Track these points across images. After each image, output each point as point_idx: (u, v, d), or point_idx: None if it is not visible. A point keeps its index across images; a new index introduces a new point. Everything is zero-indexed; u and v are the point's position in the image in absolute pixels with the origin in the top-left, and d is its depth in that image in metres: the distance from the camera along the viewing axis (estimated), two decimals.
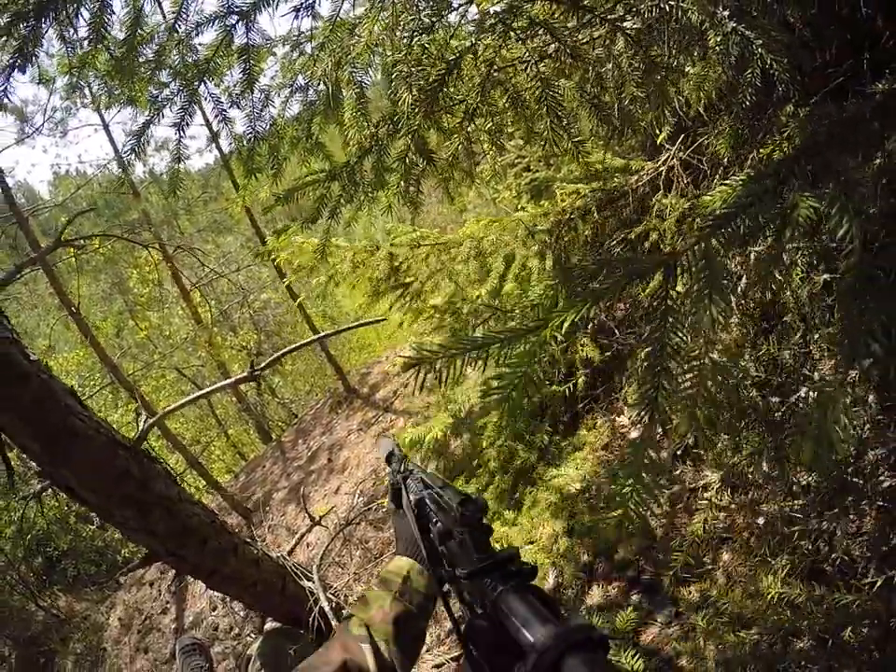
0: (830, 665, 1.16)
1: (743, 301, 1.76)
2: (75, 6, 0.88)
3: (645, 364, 0.77)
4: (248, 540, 2.08)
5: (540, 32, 0.90)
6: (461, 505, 0.69)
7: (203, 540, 1.86)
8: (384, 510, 3.02)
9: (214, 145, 5.29)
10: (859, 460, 1.36)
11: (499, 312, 2.37)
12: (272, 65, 1.15)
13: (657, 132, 2.01)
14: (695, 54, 0.90)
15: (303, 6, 0.82)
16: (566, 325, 0.67)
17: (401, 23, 0.83)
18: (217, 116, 1.04)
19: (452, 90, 0.84)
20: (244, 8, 0.85)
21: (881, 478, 1.29)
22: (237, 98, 1.02)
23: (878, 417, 1.36)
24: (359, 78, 0.88)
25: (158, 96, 0.97)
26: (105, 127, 6.40)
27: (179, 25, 0.91)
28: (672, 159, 2.41)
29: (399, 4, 0.82)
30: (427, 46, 0.80)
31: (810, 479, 1.42)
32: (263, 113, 1.03)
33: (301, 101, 1.03)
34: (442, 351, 0.67)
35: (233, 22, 0.86)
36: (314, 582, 2.11)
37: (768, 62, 0.72)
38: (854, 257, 0.77)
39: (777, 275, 1.42)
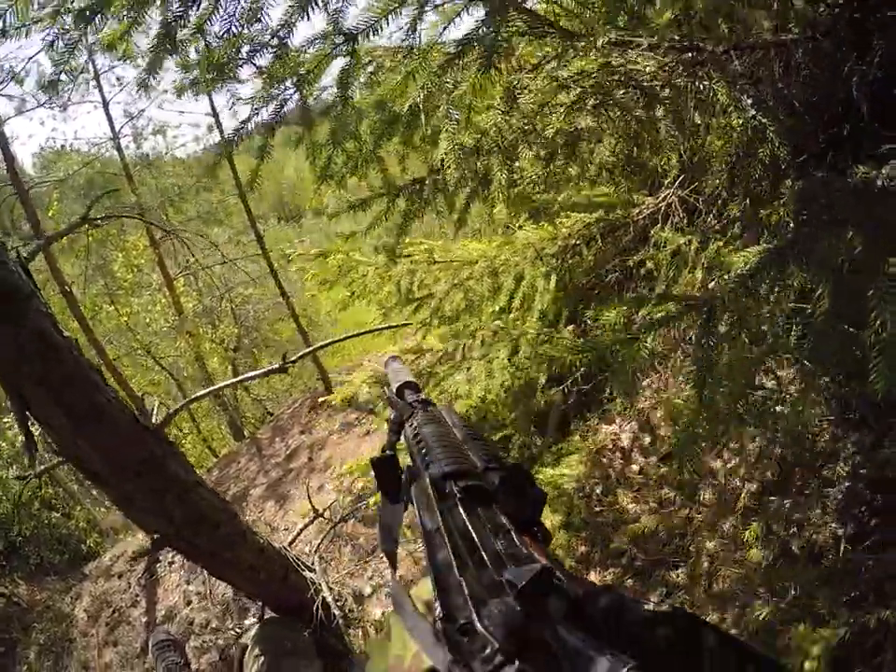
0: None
1: None
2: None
3: None
4: (255, 529, 2.15)
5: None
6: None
7: (215, 526, 1.90)
8: (375, 506, 3.09)
9: (217, 132, 5.30)
10: (823, 456, 1.59)
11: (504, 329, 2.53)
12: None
13: (664, 174, 2.21)
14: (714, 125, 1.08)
15: (407, 28, 0.93)
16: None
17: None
18: (304, 123, 1.14)
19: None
20: (352, 31, 0.96)
21: (839, 466, 1.52)
22: (327, 109, 1.13)
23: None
24: (457, 116, 1.00)
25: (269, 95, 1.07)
26: (105, 105, 6.34)
27: (289, 39, 1.01)
28: (671, 196, 2.63)
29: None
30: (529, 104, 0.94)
31: (779, 475, 1.64)
32: (349, 126, 1.14)
33: (380, 119, 1.14)
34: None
35: (339, 42, 0.97)
36: (315, 573, 2.18)
37: (777, 145, 0.90)
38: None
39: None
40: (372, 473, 0.73)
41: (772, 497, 1.76)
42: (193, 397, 2.20)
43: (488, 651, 0.37)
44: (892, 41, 1.10)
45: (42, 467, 2.14)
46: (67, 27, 1.21)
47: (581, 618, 0.40)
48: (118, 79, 6.50)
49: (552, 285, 2.45)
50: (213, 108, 5.03)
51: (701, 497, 1.94)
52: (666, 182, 2.35)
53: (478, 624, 0.39)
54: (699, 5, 1.23)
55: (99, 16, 1.15)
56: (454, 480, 0.56)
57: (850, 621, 1.28)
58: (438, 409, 0.78)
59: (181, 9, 0.95)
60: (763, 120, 1.02)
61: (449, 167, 1.01)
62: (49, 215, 5.60)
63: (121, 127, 6.58)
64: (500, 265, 2.57)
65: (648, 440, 2.31)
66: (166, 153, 7.62)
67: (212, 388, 2.47)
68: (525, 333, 2.31)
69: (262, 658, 1.83)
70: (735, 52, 1.16)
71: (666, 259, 2.54)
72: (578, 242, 2.73)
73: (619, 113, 1.02)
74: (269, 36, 0.99)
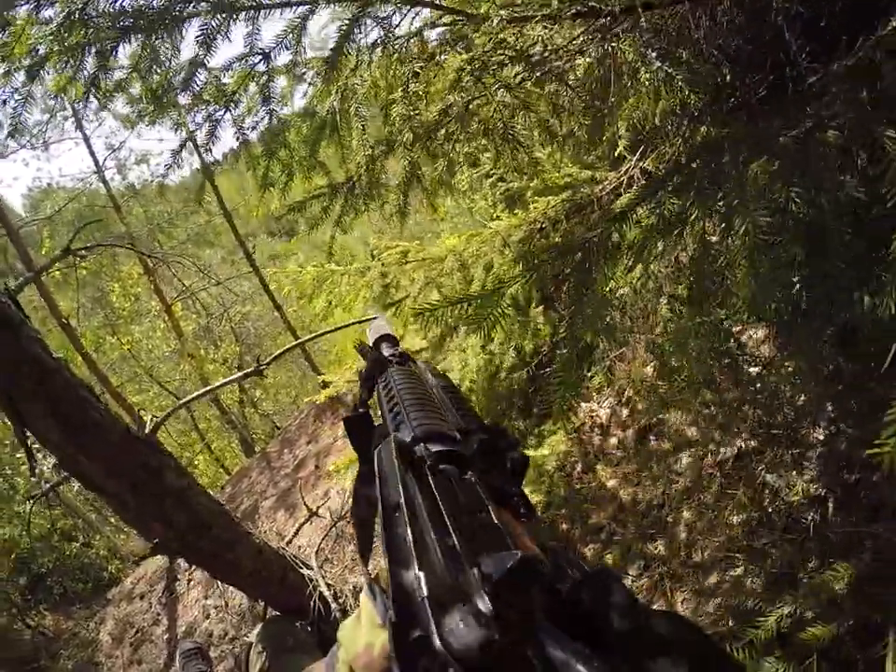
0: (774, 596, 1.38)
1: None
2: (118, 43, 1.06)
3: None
4: (251, 531, 2.22)
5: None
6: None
7: (209, 529, 1.98)
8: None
9: (197, 157, 5.40)
10: (797, 422, 1.61)
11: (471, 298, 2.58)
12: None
13: (615, 148, 2.25)
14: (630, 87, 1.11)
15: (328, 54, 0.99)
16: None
17: (395, 71, 1.03)
18: (238, 139, 1.21)
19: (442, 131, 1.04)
20: (265, 50, 1.03)
21: (816, 435, 1.54)
22: (256, 124, 1.20)
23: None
24: (363, 112, 1.07)
25: (186, 120, 1.15)
26: (86, 140, 6.49)
27: (207, 61, 1.08)
28: (633, 168, 2.67)
29: (395, 54, 1.01)
30: (419, 92, 1.00)
31: (754, 443, 1.65)
32: (278, 136, 1.21)
33: (309, 126, 1.21)
34: (438, 304, 0.85)
35: (256, 62, 1.04)
36: (313, 570, 2.24)
37: (686, 92, 0.93)
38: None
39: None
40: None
41: (749, 463, 1.79)
42: (179, 403, 2.29)
43: None
44: None
45: (48, 485, 2.24)
46: (19, 84, 1.31)
47: (568, 613, 0.35)
48: (94, 114, 6.61)
49: (518, 269, 2.51)
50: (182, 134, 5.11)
51: (679, 467, 1.97)
52: (618, 151, 2.39)
53: (436, 640, 0.31)
54: None
55: (41, 71, 1.23)
56: (425, 443, 0.50)
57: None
58: (416, 365, 0.73)
59: (102, 62, 1.02)
60: (669, 70, 1.03)
61: (362, 162, 1.08)
62: (43, 252, 5.73)
63: (104, 160, 6.71)
64: (469, 257, 2.63)
65: (625, 413, 2.35)
66: (152, 181, 7.74)
67: (190, 397, 2.55)
68: (496, 321, 2.37)
69: (265, 654, 1.90)
70: (645, 11, 1.15)
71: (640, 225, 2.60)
72: (544, 225, 2.77)
73: (502, 88, 1.07)
74: (189, 65, 1.06)
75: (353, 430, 0.66)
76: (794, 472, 1.60)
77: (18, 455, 5.64)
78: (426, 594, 0.33)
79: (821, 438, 1.67)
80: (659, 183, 0.92)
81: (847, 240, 0.67)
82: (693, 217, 0.88)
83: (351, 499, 0.67)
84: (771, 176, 0.76)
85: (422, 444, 0.50)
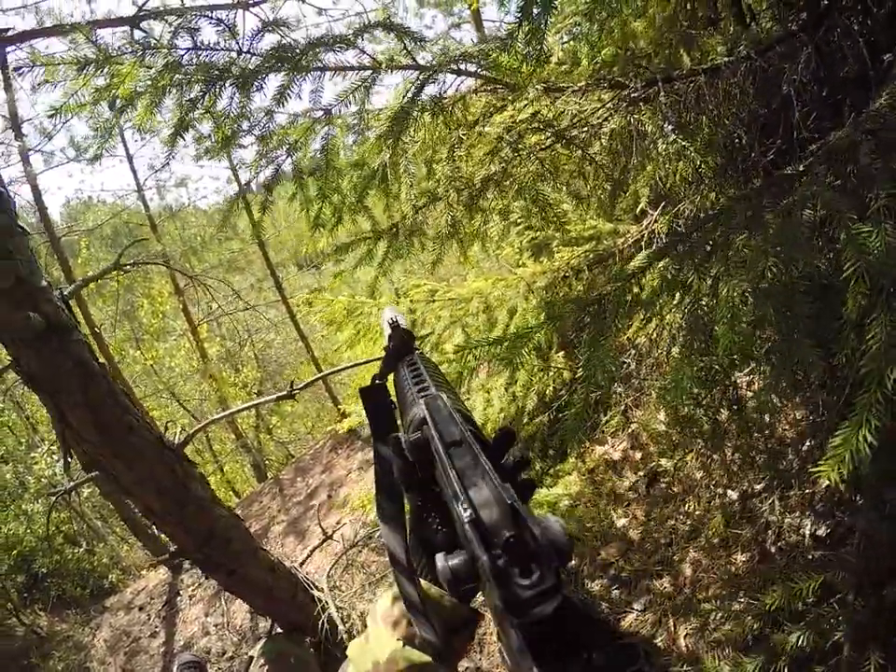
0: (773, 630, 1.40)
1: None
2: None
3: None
4: (265, 548, 2.28)
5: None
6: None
7: (228, 541, 2.05)
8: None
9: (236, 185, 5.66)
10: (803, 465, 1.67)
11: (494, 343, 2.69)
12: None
13: (638, 203, 2.40)
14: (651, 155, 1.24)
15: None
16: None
17: (441, 133, 1.17)
18: (296, 182, 1.37)
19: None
20: (328, 108, 1.19)
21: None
22: (314, 170, 1.35)
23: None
24: (412, 170, 1.21)
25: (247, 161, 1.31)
26: (129, 159, 6.71)
27: (277, 110, 1.25)
28: (654, 223, 2.80)
29: (442, 116, 1.16)
30: (462, 155, 1.15)
31: (758, 486, 1.72)
32: (333, 182, 1.36)
33: (359, 175, 1.36)
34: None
35: (318, 116, 1.20)
36: (323, 592, 2.29)
37: (698, 162, 1.06)
38: None
39: None
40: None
41: (753, 502, 1.84)
42: (210, 420, 2.39)
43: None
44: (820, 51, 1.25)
45: (72, 483, 2.34)
46: (103, 113, 1.50)
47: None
48: (140, 135, 6.94)
49: (541, 316, 2.61)
50: (231, 162, 5.41)
51: (687, 508, 2.02)
52: (640, 208, 2.53)
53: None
54: (641, 42, 1.42)
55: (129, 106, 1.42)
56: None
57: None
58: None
59: (190, 103, 1.19)
60: (684, 143, 1.16)
61: (407, 213, 1.21)
62: (79, 262, 5.99)
63: (145, 179, 6.99)
64: (494, 300, 2.75)
65: (638, 456, 2.40)
66: (189, 204, 8.10)
67: (227, 412, 2.66)
68: (522, 363, 2.46)
69: (266, 668, 1.93)
70: (664, 84, 1.28)
71: (650, 283, 2.70)
72: (567, 274, 2.90)
73: (536, 154, 1.20)
74: (262, 114, 1.22)
75: (369, 399, 0.68)
76: (798, 513, 1.65)
77: (33, 455, 5.77)
78: (513, 499, 0.37)
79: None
80: (665, 250, 1.03)
81: (813, 304, 0.77)
82: (690, 280, 0.99)
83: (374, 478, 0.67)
84: (753, 249, 0.86)
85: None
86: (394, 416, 0.68)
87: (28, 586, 5.21)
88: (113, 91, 1.45)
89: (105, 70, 1.50)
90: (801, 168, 1.03)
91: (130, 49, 1.44)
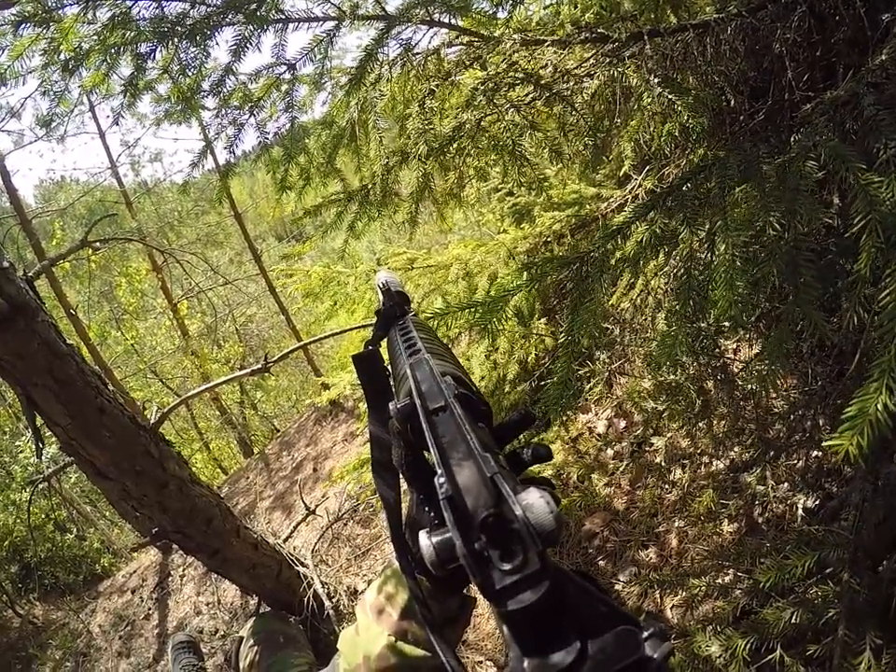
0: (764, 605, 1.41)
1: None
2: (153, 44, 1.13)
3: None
4: (248, 526, 2.25)
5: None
6: None
7: (208, 520, 2.02)
8: (371, 509, 3.19)
9: (211, 158, 5.47)
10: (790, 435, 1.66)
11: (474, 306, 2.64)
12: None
13: (621, 167, 2.32)
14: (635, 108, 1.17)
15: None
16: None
17: (413, 86, 1.09)
18: (259, 142, 1.28)
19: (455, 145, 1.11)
20: (291, 61, 1.10)
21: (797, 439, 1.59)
22: (278, 129, 1.27)
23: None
24: (381, 124, 1.13)
25: (211, 121, 1.22)
26: (102, 135, 6.47)
27: (237, 68, 1.15)
28: (638, 187, 2.74)
29: (413, 71, 1.08)
30: (434, 108, 1.06)
31: (746, 456, 1.71)
32: (299, 143, 1.28)
33: (328, 134, 1.27)
34: (448, 309, 0.91)
35: (282, 71, 1.11)
36: (308, 568, 2.27)
37: (685, 117, 0.99)
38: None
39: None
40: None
41: (741, 474, 1.83)
42: (183, 397, 2.32)
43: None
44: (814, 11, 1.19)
45: (50, 469, 2.28)
46: (55, 78, 1.38)
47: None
48: (112, 110, 6.67)
49: (521, 278, 2.57)
50: (204, 134, 5.21)
51: (672, 477, 2.02)
52: (623, 171, 2.46)
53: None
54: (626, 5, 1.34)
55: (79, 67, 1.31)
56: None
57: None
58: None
59: (140, 61, 1.09)
60: (671, 97, 1.09)
61: (378, 171, 1.14)
62: (53, 244, 5.79)
63: (119, 156, 6.77)
64: (474, 266, 2.69)
65: (622, 425, 2.39)
66: (164, 179, 7.85)
67: (199, 389, 2.60)
68: (500, 329, 2.43)
69: (256, 648, 1.92)
70: (650, 39, 1.21)
71: (633, 246, 2.66)
72: (549, 239, 2.84)
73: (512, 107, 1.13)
74: (221, 71, 1.13)
75: (362, 366, 0.66)
76: (787, 484, 1.65)
77: (17, 444, 5.68)
78: (494, 471, 0.33)
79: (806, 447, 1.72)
80: (653, 203, 0.98)
81: (817, 261, 0.73)
82: (681, 235, 0.94)
83: (369, 443, 0.64)
84: (752, 202, 0.81)
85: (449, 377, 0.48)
86: (388, 383, 0.65)
87: (22, 576, 5.19)
88: (61, 53, 1.34)
89: (52, 29, 1.38)
90: (799, 119, 0.98)
91: (72, 1, 1.32)
